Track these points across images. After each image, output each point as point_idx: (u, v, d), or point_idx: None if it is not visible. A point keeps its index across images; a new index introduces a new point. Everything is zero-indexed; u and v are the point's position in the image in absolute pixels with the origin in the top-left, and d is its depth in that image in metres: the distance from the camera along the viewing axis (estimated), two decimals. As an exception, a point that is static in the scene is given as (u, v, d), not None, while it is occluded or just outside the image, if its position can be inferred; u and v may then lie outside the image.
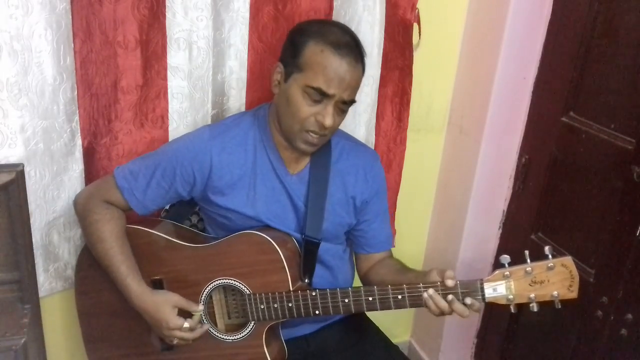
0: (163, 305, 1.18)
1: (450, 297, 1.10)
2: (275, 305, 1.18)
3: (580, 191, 1.41)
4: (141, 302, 1.19)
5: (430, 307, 1.11)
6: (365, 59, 1.19)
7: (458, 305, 1.10)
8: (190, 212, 1.40)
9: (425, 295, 1.11)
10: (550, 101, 1.49)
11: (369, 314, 1.44)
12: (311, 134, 1.16)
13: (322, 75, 1.11)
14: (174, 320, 1.17)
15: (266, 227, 1.24)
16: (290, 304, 1.18)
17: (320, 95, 1.12)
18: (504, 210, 1.68)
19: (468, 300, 1.09)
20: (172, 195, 1.24)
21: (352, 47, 1.14)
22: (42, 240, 1.32)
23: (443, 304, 1.10)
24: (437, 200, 1.84)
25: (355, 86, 1.15)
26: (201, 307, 1.21)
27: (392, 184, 1.64)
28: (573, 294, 1.07)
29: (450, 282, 1.10)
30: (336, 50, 1.11)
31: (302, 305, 1.18)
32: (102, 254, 1.21)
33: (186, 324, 1.17)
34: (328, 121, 1.13)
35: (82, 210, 1.26)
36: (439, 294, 1.10)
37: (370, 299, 1.15)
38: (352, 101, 1.17)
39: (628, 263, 1.25)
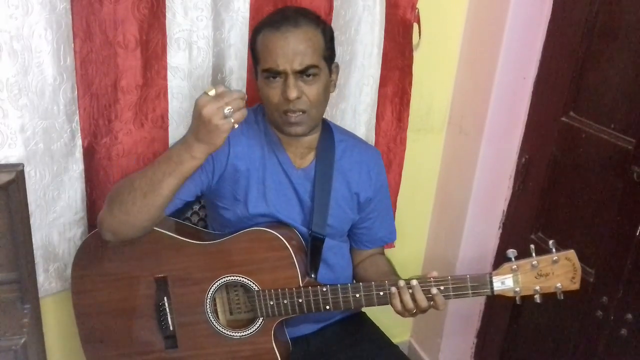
0: (193, 118, 1.08)
1: (434, 290, 1.12)
2: (285, 301, 1.19)
3: (580, 191, 1.41)
4: (188, 138, 1.09)
5: (405, 300, 1.13)
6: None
7: (439, 298, 1.13)
8: (190, 211, 1.41)
9: (401, 283, 1.14)
10: (550, 101, 1.49)
11: (369, 314, 1.44)
12: (289, 114, 1.16)
13: (267, 55, 1.14)
14: (198, 101, 1.04)
15: (272, 224, 1.25)
16: (300, 300, 1.18)
17: (275, 74, 1.14)
18: (504, 210, 1.68)
19: (434, 290, 1.12)
20: (191, 189, 1.23)
21: (288, 16, 1.16)
22: (42, 240, 1.32)
23: (421, 296, 1.13)
24: (437, 200, 1.84)
25: (305, 50, 1.14)
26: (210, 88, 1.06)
27: (392, 184, 1.64)
28: (575, 286, 1.11)
29: (435, 273, 1.14)
30: (272, 27, 1.15)
31: (312, 301, 1.18)
32: (137, 185, 1.12)
33: (211, 92, 1.04)
34: (291, 94, 1.13)
35: (107, 197, 1.19)
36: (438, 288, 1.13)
37: (382, 293, 1.16)
38: (313, 66, 1.15)
39: (628, 263, 1.26)
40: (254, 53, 1.21)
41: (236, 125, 1.05)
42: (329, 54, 1.21)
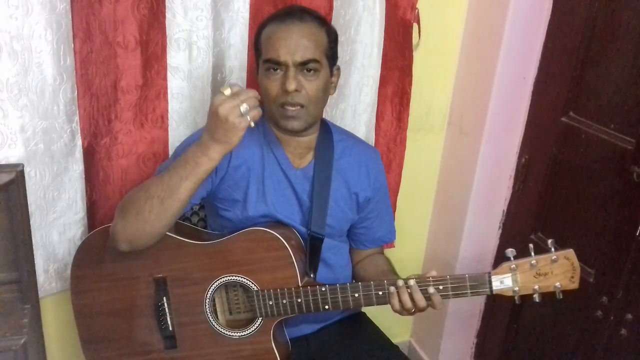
0: (208, 116, 1.09)
1: (432, 289, 1.12)
2: (284, 301, 1.19)
3: (580, 191, 1.41)
4: (204, 139, 1.09)
5: (403, 300, 1.14)
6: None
7: (436, 298, 1.12)
8: (190, 211, 1.41)
9: (400, 282, 1.13)
10: (550, 101, 1.49)
11: (369, 314, 1.44)
12: (286, 107, 1.17)
13: (270, 47, 1.16)
14: (214, 101, 1.05)
15: (271, 224, 1.25)
16: (299, 300, 1.18)
17: (276, 65, 1.15)
18: (504, 210, 1.68)
19: (431, 289, 1.12)
20: (199, 193, 1.22)
21: (294, 12, 1.18)
22: (42, 240, 1.32)
23: (419, 296, 1.12)
24: (437, 200, 1.84)
25: (307, 44, 1.15)
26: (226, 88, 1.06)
27: (392, 184, 1.64)
28: (574, 285, 1.11)
29: (434, 272, 1.14)
30: (277, 20, 1.17)
31: (311, 301, 1.18)
32: (154, 192, 1.11)
33: (226, 91, 1.05)
34: (290, 85, 1.14)
35: (120, 207, 1.18)
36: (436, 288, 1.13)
37: (381, 293, 1.16)
38: (314, 60, 1.16)
39: (628, 263, 1.25)
40: (257, 47, 1.22)
41: (252, 124, 1.05)
42: (331, 54, 1.22)
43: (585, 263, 1.36)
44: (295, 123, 1.19)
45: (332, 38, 1.22)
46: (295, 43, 1.14)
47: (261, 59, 1.19)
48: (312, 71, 1.17)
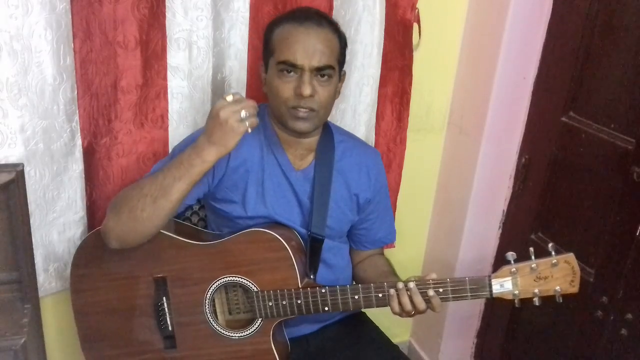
0: (207, 120, 1.11)
1: (431, 292, 1.12)
2: (284, 302, 1.19)
3: (580, 191, 1.41)
4: (200, 142, 1.10)
5: (403, 302, 1.13)
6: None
7: (436, 300, 1.12)
8: (190, 211, 1.41)
9: (400, 285, 1.13)
10: (550, 101, 1.49)
11: (369, 314, 1.44)
12: (298, 109, 1.17)
13: (286, 48, 1.15)
14: (216, 105, 1.08)
15: (272, 224, 1.25)
16: (299, 301, 1.18)
17: (292, 68, 1.15)
18: (504, 210, 1.68)
19: (431, 292, 1.12)
20: (193, 194, 1.23)
21: (312, 15, 1.18)
22: (42, 240, 1.32)
23: (419, 299, 1.12)
24: (437, 200, 1.84)
25: (324, 50, 1.15)
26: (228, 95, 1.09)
27: (392, 184, 1.64)
28: (574, 289, 1.11)
29: (434, 275, 1.14)
30: (295, 21, 1.16)
31: (311, 302, 1.18)
32: (147, 191, 1.12)
33: (228, 98, 1.08)
34: (305, 90, 1.14)
35: (112, 204, 1.18)
36: (434, 290, 1.12)
37: (380, 295, 1.16)
38: (330, 67, 1.17)
39: (628, 263, 1.25)
40: (267, 45, 1.20)
41: (249, 130, 1.07)
42: (342, 60, 1.23)
43: (585, 263, 1.36)
44: (304, 125, 1.19)
45: (343, 44, 1.23)
46: (313, 48, 1.14)
47: (273, 59, 1.18)
48: (325, 77, 1.17)
